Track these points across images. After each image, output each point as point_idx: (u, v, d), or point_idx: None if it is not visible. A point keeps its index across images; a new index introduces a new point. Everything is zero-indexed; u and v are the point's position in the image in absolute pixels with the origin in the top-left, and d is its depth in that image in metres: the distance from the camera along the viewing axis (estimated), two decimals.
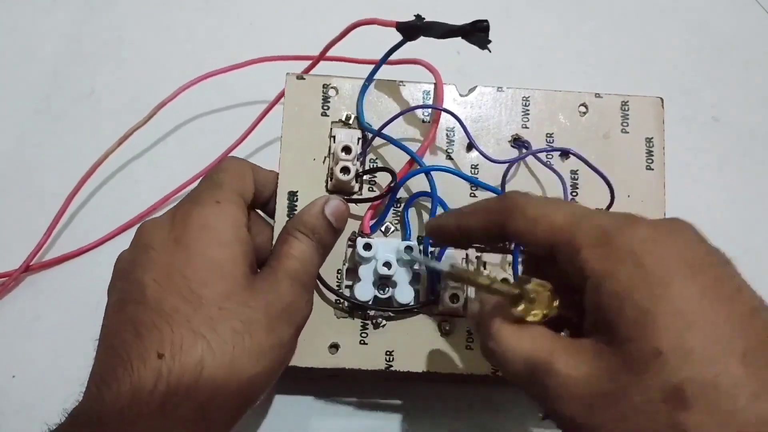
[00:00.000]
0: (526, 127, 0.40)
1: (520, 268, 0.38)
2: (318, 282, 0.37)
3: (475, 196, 0.39)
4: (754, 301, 0.24)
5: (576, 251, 0.26)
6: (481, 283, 0.28)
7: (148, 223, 0.33)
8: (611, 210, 0.38)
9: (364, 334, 0.37)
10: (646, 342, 0.23)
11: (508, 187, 0.38)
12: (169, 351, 0.28)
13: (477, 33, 0.34)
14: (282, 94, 0.40)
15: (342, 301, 0.37)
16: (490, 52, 0.34)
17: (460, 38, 0.35)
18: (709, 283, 0.24)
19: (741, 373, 0.22)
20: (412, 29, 0.36)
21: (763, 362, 0.22)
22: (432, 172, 0.37)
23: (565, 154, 0.40)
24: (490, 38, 0.34)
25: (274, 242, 0.36)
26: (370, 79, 0.39)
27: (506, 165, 0.38)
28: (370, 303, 0.37)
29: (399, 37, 0.37)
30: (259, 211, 0.38)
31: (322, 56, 0.42)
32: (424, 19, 0.36)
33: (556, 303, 0.27)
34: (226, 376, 0.29)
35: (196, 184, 0.36)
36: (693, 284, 0.23)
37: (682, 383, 0.22)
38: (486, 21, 0.34)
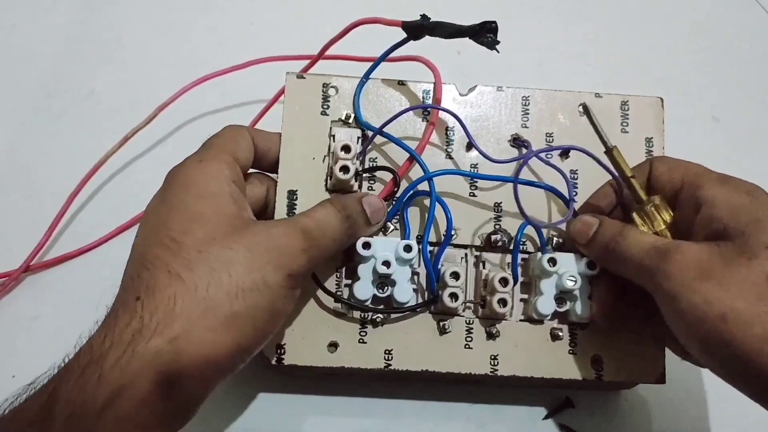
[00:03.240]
0: (526, 127, 0.40)
1: (519, 269, 0.38)
2: (316, 284, 0.37)
3: (474, 195, 0.39)
4: None
5: (699, 186, 0.34)
6: (626, 173, 0.36)
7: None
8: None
9: (363, 333, 0.37)
10: (758, 237, 0.31)
11: (504, 187, 0.38)
12: (145, 292, 0.29)
13: (485, 34, 0.34)
14: (281, 93, 0.40)
15: (341, 298, 0.37)
16: (498, 52, 0.34)
17: (460, 38, 0.35)
18: None
19: None
20: (418, 29, 0.36)
21: None
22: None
23: (565, 153, 0.40)
24: (498, 39, 0.34)
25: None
26: (367, 75, 0.39)
27: (509, 164, 0.38)
28: (369, 302, 0.37)
29: (401, 37, 0.37)
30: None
31: (321, 55, 0.42)
32: (429, 18, 0.36)
33: (663, 228, 0.35)
34: (201, 311, 0.29)
35: None
36: None
37: None
38: (494, 22, 0.34)
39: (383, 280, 0.37)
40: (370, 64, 0.39)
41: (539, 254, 0.37)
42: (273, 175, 0.39)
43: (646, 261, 0.33)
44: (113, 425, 0.27)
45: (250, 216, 0.34)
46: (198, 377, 0.29)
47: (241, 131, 0.37)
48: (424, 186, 0.37)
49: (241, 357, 0.31)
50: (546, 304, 0.37)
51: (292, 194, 0.38)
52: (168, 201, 0.32)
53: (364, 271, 0.36)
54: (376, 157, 0.39)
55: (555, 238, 0.39)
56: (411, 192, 0.38)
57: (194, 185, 0.33)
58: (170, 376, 0.28)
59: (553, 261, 0.37)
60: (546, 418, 0.42)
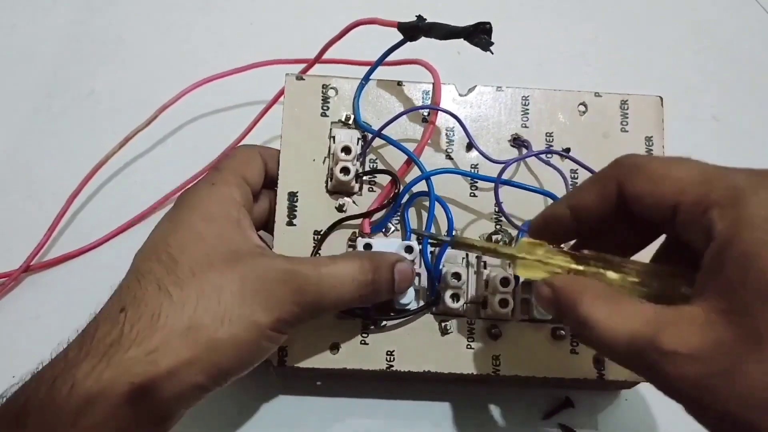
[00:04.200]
0: (526, 127, 0.40)
1: None
2: None
3: (475, 195, 0.39)
4: None
5: (704, 211, 0.24)
6: (486, 248, 0.32)
7: None
8: None
9: (364, 334, 0.37)
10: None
11: (504, 188, 0.38)
12: (131, 303, 0.29)
13: (479, 35, 0.34)
14: (280, 94, 0.40)
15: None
16: (492, 54, 0.34)
17: (456, 39, 0.35)
18: None
19: None
20: (414, 30, 0.36)
21: None
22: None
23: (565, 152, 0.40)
24: (492, 40, 0.34)
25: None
26: (366, 78, 0.39)
27: (505, 165, 0.38)
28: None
29: (400, 38, 0.37)
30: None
31: (320, 56, 0.42)
32: (425, 19, 0.36)
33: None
34: (184, 328, 0.29)
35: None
36: None
37: None
38: (488, 23, 0.34)
39: None
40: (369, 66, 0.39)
41: None
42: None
43: (630, 362, 0.25)
44: None
45: (254, 243, 0.33)
46: (172, 392, 0.28)
47: (254, 153, 0.37)
48: (424, 186, 0.37)
49: (217, 381, 0.30)
50: None
51: (292, 196, 0.38)
52: (173, 219, 0.33)
53: None
54: (376, 159, 0.39)
55: None
56: (408, 192, 0.37)
57: (202, 207, 0.33)
58: (143, 388, 0.27)
59: None
60: (546, 417, 0.42)
